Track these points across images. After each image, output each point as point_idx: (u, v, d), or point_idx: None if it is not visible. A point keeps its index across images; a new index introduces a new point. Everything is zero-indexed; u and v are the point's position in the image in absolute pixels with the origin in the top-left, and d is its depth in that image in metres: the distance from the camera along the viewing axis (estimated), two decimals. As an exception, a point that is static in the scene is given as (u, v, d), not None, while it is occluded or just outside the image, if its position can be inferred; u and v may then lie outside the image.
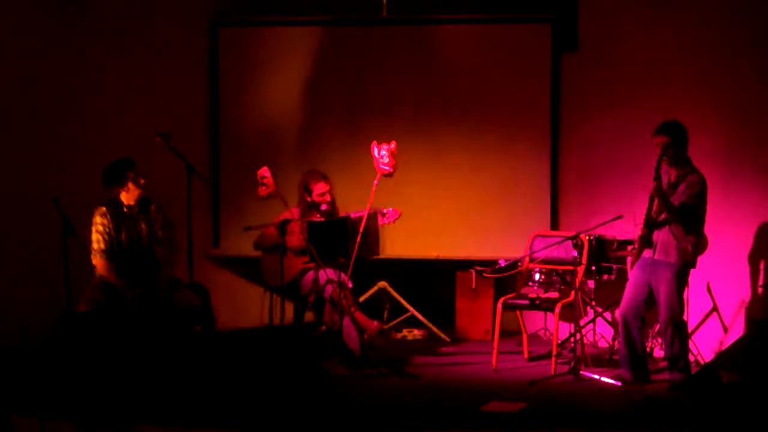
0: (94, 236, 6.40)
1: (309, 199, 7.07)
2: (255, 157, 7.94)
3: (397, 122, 8.10)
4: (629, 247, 6.95)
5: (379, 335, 7.18)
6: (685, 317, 6.30)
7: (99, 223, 6.41)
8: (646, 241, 6.23)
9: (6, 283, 7.33)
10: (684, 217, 6.15)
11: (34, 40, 7.55)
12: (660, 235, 6.23)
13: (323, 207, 7.05)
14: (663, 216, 6.21)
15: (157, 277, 6.51)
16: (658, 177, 6.14)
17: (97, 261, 6.42)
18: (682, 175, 6.22)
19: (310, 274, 6.95)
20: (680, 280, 6.21)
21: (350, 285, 6.96)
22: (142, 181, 6.44)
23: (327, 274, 6.72)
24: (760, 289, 6.89)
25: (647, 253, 6.27)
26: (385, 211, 7.05)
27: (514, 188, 8.12)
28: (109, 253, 6.40)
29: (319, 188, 7.05)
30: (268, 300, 6.95)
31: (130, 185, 6.43)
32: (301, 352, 6.91)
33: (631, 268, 6.37)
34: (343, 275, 6.70)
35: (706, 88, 7.22)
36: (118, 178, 6.44)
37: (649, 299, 6.31)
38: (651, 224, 6.22)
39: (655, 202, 6.23)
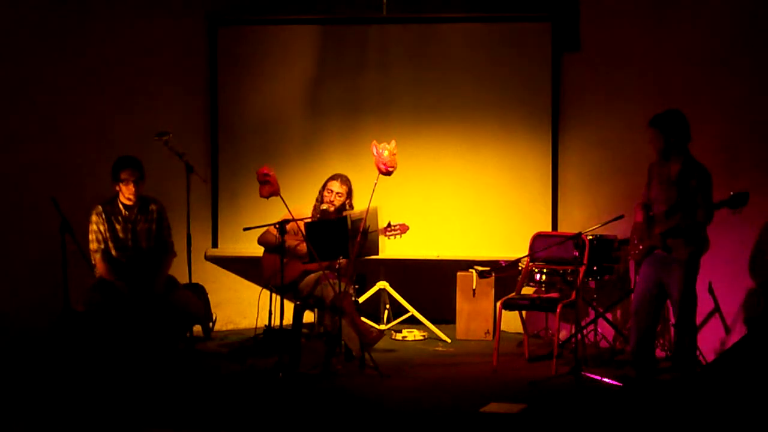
0: (90, 236, 6.50)
1: (321, 193, 7.09)
2: (254, 157, 7.95)
3: (397, 121, 8.07)
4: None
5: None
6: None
7: (93, 222, 6.52)
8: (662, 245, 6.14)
9: (5, 283, 7.30)
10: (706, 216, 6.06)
11: (33, 40, 7.52)
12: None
13: (324, 206, 7.02)
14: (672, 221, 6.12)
15: (155, 277, 6.50)
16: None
17: (96, 261, 6.49)
18: (687, 169, 6.06)
19: (312, 277, 6.93)
20: (691, 273, 6.09)
21: (353, 292, 6.96)
22: (132, 179, 6.45)
23: (329, 278, 6.69)
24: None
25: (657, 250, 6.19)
26: (393, 224, 7.01)
27: (515, 188, 8.10)
28: (104, 252, 6.46)
29: (333, 185, 7.06)
30: (267, 300, 6.93)
31: (121, 184, 6.47)
32: (299, 353, 6.90)
33: (637, 267, 6.29)
34: (345, 279, 6.67)
35: (706, 88, 7.20)
36: (113, 176, 6.53)
37: (660, 296, 6.21)
38: (665, 233, 6.09)
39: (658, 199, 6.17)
